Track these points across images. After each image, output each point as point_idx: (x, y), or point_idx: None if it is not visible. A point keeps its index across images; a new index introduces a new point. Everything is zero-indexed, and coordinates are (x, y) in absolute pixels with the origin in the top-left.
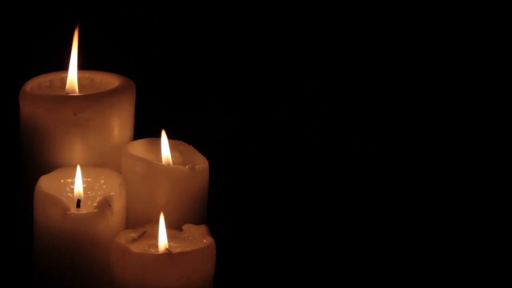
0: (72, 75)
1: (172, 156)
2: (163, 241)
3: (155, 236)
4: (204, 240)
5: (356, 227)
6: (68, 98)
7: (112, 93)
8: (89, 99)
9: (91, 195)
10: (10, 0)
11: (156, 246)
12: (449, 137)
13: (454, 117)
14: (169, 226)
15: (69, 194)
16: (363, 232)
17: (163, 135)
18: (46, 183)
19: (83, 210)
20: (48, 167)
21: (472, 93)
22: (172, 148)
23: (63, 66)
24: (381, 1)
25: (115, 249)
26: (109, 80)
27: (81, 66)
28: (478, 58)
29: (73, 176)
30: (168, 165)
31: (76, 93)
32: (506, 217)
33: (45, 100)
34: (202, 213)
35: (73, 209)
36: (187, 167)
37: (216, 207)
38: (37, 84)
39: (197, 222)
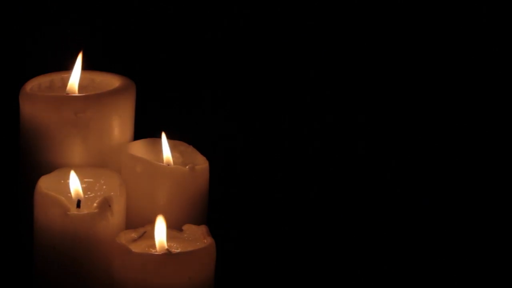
0: (75, 79)
1: (172, 156)
2: (159, 241)
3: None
4: (204, 240)
5: (356, 227)
6: (69, 98)
7: (113, 94)
8: (90, 99)
9: (91, 195)
10: (10, 0)
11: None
12: (448, 140)
13: (454, 120)
14: (169, 226)
15: (69, 194)
16: (363, 232)
17: (163, 136)
18: (46, 183)
19: (83, 210)
20: (48, 167)
21: (472, 94)
22: (172, 148)
23: (63, 66)
24: (382, 5)
25: (115, 249)
26: (110, 81)
27: (82, 67)
28: (477, 60)
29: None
30: (168, 165)
31: (76, 94)
32: (506, 217)
33: (45, 100)
34: (202, 213)
35: (73, 210)
36: (187, 167)
37: (216, 207)
38: (37, 84)
39: (197, 222)
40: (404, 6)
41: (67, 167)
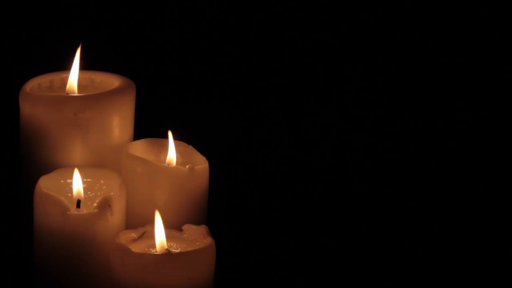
0: (73, 78)
1: None
2: (159, 241)
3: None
4: (204, 240)
5: (356, 227)
6: (68, 99)
7: (112, 94)
8: (90, 99)
9: (91, 195)
10: (11, 0)
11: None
12: (448, 140)
13: (453, 120)
14: (169, 226)
15: (69, 194)
16: (363, 232)
17: (170, 136)
18: (46, 183)
19: (83, 210)
20: (48, 167)
21: (471, 95)
22: None
23: (63, 66)
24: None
25: (115, 249)
26: (109, 80)
27: (82, 67)
28: (477, 60)
29: (73, 176)
30: (168, 165)
31: (75, 94)
32: (506, 217)
33: (45, 101)
34: (202, 213)
35: (73, 209)
36: (187, 167)
37: (216, 207)
38: (37, 84)
39: (197, 222)
40: (404, 6)
41: (67, 167)
